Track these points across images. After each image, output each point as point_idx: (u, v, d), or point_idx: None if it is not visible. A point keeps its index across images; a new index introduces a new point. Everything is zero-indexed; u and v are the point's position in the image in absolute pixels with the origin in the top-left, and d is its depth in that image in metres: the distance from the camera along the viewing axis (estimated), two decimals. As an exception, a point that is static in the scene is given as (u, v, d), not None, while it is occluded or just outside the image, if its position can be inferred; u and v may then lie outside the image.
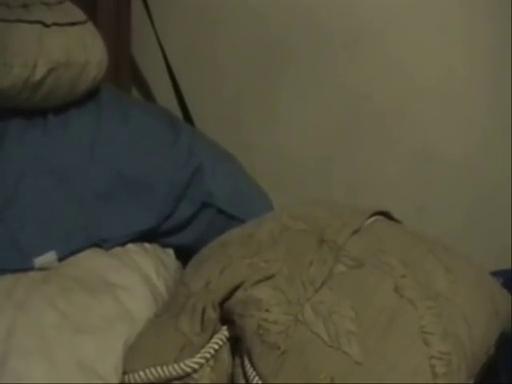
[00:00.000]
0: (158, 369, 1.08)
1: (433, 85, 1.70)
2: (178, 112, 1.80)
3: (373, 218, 1.29)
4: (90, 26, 1.42)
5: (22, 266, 1.23)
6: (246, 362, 1.05)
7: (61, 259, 1.26)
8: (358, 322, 1.06)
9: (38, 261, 1.24)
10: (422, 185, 1.77)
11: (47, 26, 1.31)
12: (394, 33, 1.69)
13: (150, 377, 1.08)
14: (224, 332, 1.10)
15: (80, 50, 1.35)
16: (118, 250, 1.33)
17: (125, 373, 1.11)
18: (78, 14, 1.41)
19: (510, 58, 1.60)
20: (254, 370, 1.04)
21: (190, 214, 1.43)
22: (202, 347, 1.09)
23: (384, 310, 1.10)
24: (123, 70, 1.84)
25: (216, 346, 1.09)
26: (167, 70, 1.82)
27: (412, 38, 1.68)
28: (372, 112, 1.76)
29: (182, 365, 1.07)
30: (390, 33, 1.70)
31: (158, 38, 1.80)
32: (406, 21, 1.68)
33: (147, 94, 1.95)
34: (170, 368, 1.07)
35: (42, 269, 1.24)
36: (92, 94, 1.42)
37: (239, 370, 1.07)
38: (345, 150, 1.81)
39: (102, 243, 1.32)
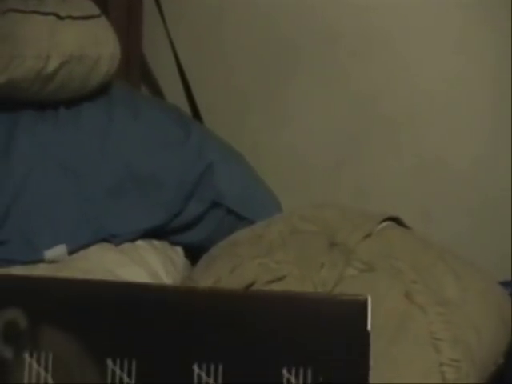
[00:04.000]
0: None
1: (441, 89, 1.69)
2: (187, 109, 1.79)
3: (384, 224, 1.29)
4: (103, 20, 1.41)
5: (33, 258, 1.23)
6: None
7: (70, 253, 1.26)
8: (369, 325, 1.06)
9: (48, 253, 1.24)
10: (427, 191, 1.76)
11: (61, 18, 1.31)
12: (403, 37, 1.69)
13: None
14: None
15: (93, 44, 1.35)
16: (126, 245, 1.33)
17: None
18: (92, 8, 1.41)
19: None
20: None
21: (200, 213, 1.42)
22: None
23: (394, 314, 1.09)
24: (134, 67, 1.83)
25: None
26: (177, 67, 1.81)
27: (421, 42, 1.68)
28: (380, 116, 1.76)
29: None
30: (398, 37, 1.69)
31: (169, 36, 1.79)
32: (415, 25, 1.68)
33: (157, 91, 1.93)
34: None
35: (51, 261, 1.24)
36: (103, 89, 1.41)
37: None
38: (353, 154, 1.80)
39: (111, 238, 1.32)
